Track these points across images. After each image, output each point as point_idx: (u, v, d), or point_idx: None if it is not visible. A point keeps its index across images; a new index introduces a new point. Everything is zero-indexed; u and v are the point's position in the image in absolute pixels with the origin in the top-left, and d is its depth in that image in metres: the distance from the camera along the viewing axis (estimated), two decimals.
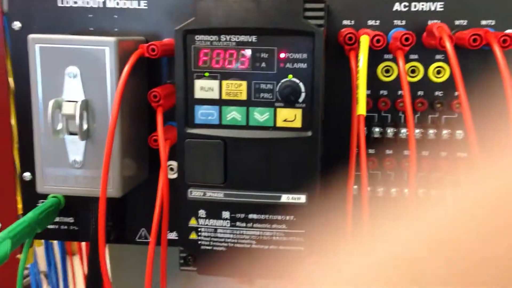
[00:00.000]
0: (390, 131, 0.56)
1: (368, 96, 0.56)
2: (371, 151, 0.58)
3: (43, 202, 0.62)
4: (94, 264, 0.60)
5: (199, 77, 0.52)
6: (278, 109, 0.52)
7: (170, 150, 0.55)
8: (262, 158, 0.52)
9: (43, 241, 0.77)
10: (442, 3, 0.55)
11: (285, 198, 0.52)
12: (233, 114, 0.52)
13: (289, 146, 0.51)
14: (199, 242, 0.54)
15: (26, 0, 0.58)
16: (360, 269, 0.27)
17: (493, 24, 0.55)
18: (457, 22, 0.55)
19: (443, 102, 0.56)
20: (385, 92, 0.57)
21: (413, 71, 0.56)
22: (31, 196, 0.62)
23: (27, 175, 0.62)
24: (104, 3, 0.58)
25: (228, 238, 0.54)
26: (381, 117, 0.58)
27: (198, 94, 0.52)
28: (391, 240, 0.27)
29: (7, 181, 0.63)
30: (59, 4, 0.58)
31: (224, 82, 0.52)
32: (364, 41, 0.52)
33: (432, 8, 0.55)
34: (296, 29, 0.50)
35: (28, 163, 0.61)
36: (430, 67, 0.56)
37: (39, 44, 0.53)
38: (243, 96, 0.52)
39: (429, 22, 0.55)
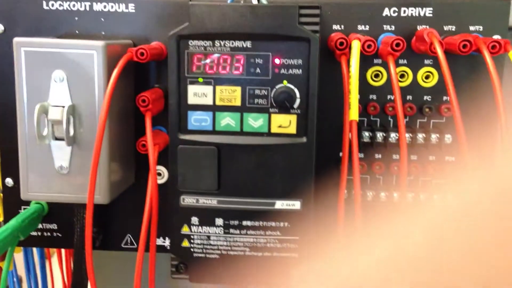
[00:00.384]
0: (379, 135, 0.57)
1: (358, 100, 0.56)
2: (360, 155, 0.58)
3: (25, 208, 0.60)
4: (78, 272, 0.59)
5: (192, 83, 0.51)
6: (273, 115, 0.51)
7: (158, 155, 0.54)
8: (256, 164, 0.51)
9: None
10: (431, 8, 0.55)
11: (279, 204, 0.52)
12: (227, 120, 0.52)
13: (284, 152, 0.51)
14: (192, 249, 0.54)
15: (10, 2, 0.57)
16: (353, 273, 0.27)
17: (481, 30, 0.55)
18: (445, 28, 0.55)
19: (431, 107, 0.57)
20: (374, 97, 0.57)
21: (402, 76, 0.57)
22: (13, 202, 0.60)
23: (9, 180, 0.60)
24: (90, 6, 0.56)
25: (222, 245, 0.53)
26: (370, 122, 0.58)
27: (192, 99, 0.51)
28: (382, 244, 0.27)
29: None
30: (44, 7, 0.57)
31: (218, 88, 0.51)
32: (356, 47, 0.52)
33: (422, 14, 0.55)
34: (291, 35, 0.49)
35: (10, 168, 0.60)
36: (419, 72, 0.56)
37: (24, 48, 0.51)
38: (237, 102, 0.51)
39: (418, 28, 0.55)
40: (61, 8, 0.57)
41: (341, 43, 0.52)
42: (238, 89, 0.51)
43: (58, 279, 0.92)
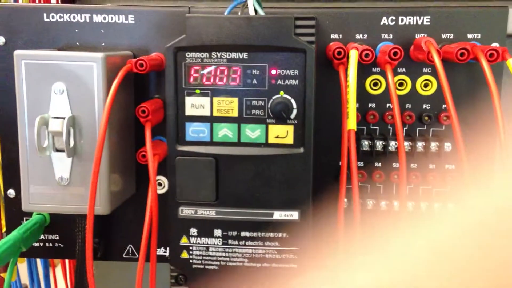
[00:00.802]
0: (379, 144, 0.57)
1: (356, 109, 0.56)
2: (360, 164, 0.58)
3: (28, 219, 0.60)
4: (80, 283, 0.59)
5: (190, 94, 0.51)
6: (270, 126, 0.51)
7: (158, 165, 0.54)
8: (254, 175, 0.51)
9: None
10: (428, 17, 0.55)
11: (277, 215, 0.52)
12: (225, 131, 0.52)
13: (281, 163, 0.51)
14: (191, 261, 0.54)
15: (11, 15, 0.57)
16: (354, 283, 0.27)
17: (478, 37, 0.55)
18: (443, 36, 0.55)
19: (431, 115, 0.57)
20: (373, 105, 0.57)
21: (400, 84, 0.57)
22: (15, 213, 0.61)
23: (11, 192, 0.61)
24: (90, 17, 0.57)
25: (220, 256, 0.53)
26: (370, 130, 0.58)
27: (189, 111, 0.52)
28: (383, 253, 0.27)
29: None
30: (45, 19, 0.57)
31: (215, 99, 0.51)
32: (354, 56, 0.52)
33: (419, 22, 0.55)
34: (287, 46, 0.49)
35: (12, 180, 0.60)
36: (418, 80, 0.56)
37: (25, 60, 0.52)
38: (235, 113, 0.51)
39: (416, 36, 0.55)
40: (61, 20, 0.57)
41: (339, 53, 0.53)
42: (235, 100, 0.51)
43: None
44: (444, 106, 0.57)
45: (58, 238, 0.62)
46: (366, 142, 0.57)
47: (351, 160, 0.51)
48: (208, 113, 0.52)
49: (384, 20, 0.56)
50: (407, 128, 0.57)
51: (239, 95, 0.51)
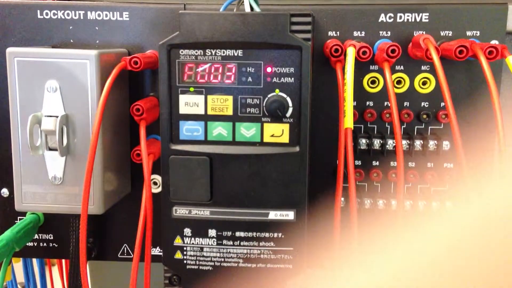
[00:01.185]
0: (376, 142, 0.56)
1: (354, 107, 0.56)
2: (357, 162, 0.57)
3: (21, 218, 0.60)
4: (75, 283, 0.59)
5: (183, 92, 0.51)
6: (265, 124, 0.51)
7: (153, 164, 0.54)
8: (249, 174, 0.51)
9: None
10: (427, 14, 0.54)
11: (273, 215, 0.51)
12: (219, 130, 0.51)
13: (277, 162, 0.50)
14: (185, 261, 0.53)
15: (4, 11, 0.56)
16: (351, 283, 0.27)
17: (477, 35, 0.54)
18: (442, 33, 0.55)
19: (429, 113, 0.56)
20: (371, 103, 0.57)
21: (398, 82, 0.56)
22: (9, 213, 0.60)
23: (4, 191, 0.60)
24: (85, 14, 0.56)
25: (215, 257, 0.53)
26: (367, 129, 0.57)
27: (183, 109, 0.51)
28: (381, 253, 0.27)
29: None
30: (39, 16, 0.56)
31: (210, 97, 0.51)
32: (351, 54, 0.51)
33: (418, 19, 0.55)
34: (282, 43, 0.49)
35: (5, 179, 0.59)
36: (416, 78, 0.56)
37: (17, 58, 0.51)
38: (229, 111, 0.51)
39: (415, 33, 0.55)
40: (55, 17, 0.56)
41: (336, 50, 0.52)
42: (230, 98, 0.51)
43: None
44: (442, 104, 0.56)
45: (52, 237, 0.62)
46: (363, 141, 0.56)
47: (348, 158, 0.51)
48: (202, 112, 0.51)
49: (382, 17, 0.55)
50: (405, 126, 0.57)
51: (233, 93, 0.50)
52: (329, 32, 0.55)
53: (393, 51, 0.51)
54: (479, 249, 0.23)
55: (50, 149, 0.52)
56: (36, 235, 0.61)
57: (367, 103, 0.57)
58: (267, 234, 0.52)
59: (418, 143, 0.55)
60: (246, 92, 0.50)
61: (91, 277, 0.79)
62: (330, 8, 0.55)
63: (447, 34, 0.55)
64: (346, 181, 0.52)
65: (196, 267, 0.53)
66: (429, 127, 0.57)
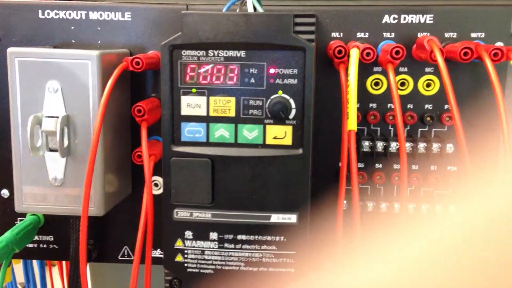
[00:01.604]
0: (379, 145, 0.56)
1: (357, 109, 0.55)
2: (360, 165, 0.57)
3: (22, 220, 0.60)
4: (75, 284, 0.59)
5: (185, 93, 0.50)
6: (268, 126, 0.50)
7: (154, 165, 0.53)
8: (251, 177, 0.50)
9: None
10: (431, 15, 0.54)
11: (275, 218, 0.51)
12: (221, 132, 0.51)
13: (279, 165, 0.50)
14: (186, 264, 0.53)
15: (5, 11, 0.56)
16: (354, 286, 0.27)
17: (482, 36, 0.54)
18: (446, 35, 0.54)
19: (433, 115, 0.55)
20: (374, 105, 0.56)
21: (402, 84, 0.56)
22: (10, 213, 0.60)
23: (5, 192, 0.60)
24: (87, 14, 0.56)
25: (216, 260, 0.52)
26: (370, 131, 0.57)
27: (185, 110, 0.51)
28: (383, 256, 0.27)
29: None
30: (40, 16, 0.56)
31: (212, 99, 0.50)
32: (354, 55, 0.51)
33: (422, 21, 0.54)
34: (286, 44, 0.48)
35: (5, 180, 0.59)
36: (420, 80, 0.55)
37: (18, 58, 0.51)
38: (232, 113, 0.50)
39: (419, 35, 0.54)
40: (56, 17, 0.56)
41: (340, 51, 0.52)
42: (232, 100, 0.50)
43: None
44: (446, 106, 0.55)
45: (52, 239, 0.61)
46: (366, 143, 0.56)
47: (351, 161, 0.50)
48: (204, 113, 0.51)
49: (386, 18, 0.54)
50: (408, 128, 0.56)
51: (236, 94, 0.50)
52: (333, 33, 0.55)
53: (397, 52, 0.50)
54: (482, 253, 0.23)
55: (51, 150, 0.52)
56: (36, 236, 0.61)
57: (371, 105, 0.56)
58: (269, 238, 0.51)
59: (421, 145, 0.55)
60: (248, 94, 0.50)
61: (91, 279, 0.79)
62: (333, 9, 0.54)
63: (451, 36, 0.54)
64: (349, 183, 0.51)
65: (197, 270, 0.53)
66: (433, 130, 0.56)
